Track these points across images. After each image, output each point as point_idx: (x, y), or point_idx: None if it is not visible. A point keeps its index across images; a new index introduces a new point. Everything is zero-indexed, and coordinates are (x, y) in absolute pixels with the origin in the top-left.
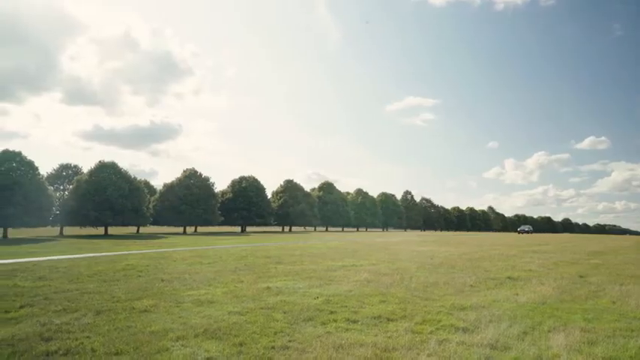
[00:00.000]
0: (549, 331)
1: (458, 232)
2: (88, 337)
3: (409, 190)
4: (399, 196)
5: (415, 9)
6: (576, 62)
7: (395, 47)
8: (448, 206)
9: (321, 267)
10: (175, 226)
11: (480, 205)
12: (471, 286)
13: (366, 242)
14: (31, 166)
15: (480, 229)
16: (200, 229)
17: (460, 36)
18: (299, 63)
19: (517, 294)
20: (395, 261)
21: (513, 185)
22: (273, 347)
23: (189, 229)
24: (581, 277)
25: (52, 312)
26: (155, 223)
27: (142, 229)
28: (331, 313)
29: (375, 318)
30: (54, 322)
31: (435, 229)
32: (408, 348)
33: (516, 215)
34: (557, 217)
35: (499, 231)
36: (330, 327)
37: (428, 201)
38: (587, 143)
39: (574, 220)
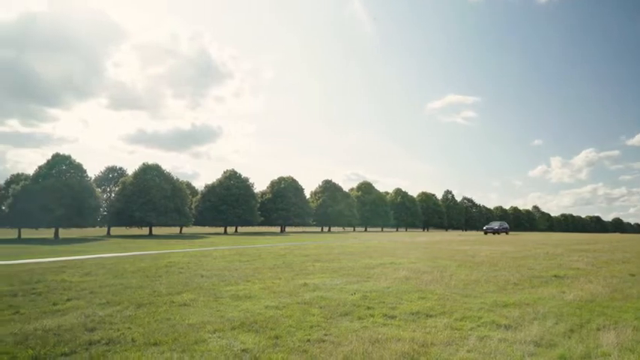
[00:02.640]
0: (598, 330)
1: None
2: (129, 328)
3: (450, 189)
4: (439, 196)
5: (454, 3)
6: (625, 54)
7: (433, 44)
8: (491, 206)
9: (359, 265)
10: (216, 226)
11: (525, 205)
12: (514, 284)
13: (406, 241)
14: (79, 169)
15: (524, 230)
16: (240, 229)
17: (501, 30)
18: (335, 62)
19: (564, 292)
20: (435, 259)
21: (560, 184)
22: (308, 340)
23: (230, 229)
24: (632, 275)
25: (96, 305)
26: (197, 223)
27: (185, 229)
28: (368, 308)
29: (413, 314)
30: (98, 313)
31: (477, 229)
32: (446, 344)
33: (563, 215)
34: (607, 217)
35: (544, 231)
36: (366, 322)
37: (469, 200)
38: (639, 139)
39: (625, 219)
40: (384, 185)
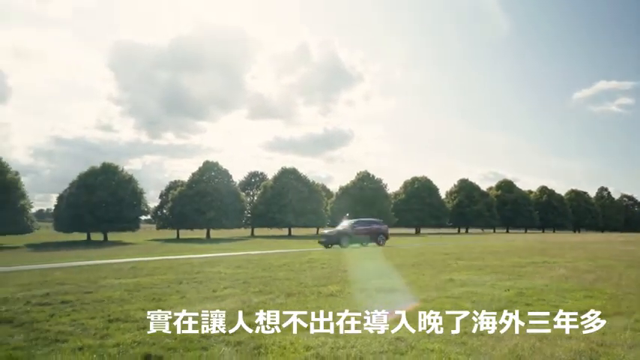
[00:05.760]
0: None
1: None
2: None
3: (605, 186)
4: (592, 194)
5: None
6: None
7: (576, 25)
8: None
9: (506, 263)
10: None
11: None
12: None
13: (555, 241)
14: (226, 175)
15: None
16: None
17: None
18: (466, 57)
19: None
20: (595, 259)
21: None
22: (465, 333)
23: None
24: None
25: (250, 292)
26: (332, 224)
27: (321, 230)
28: (527, 305)
29: (581, 312)
30: (252, 300)
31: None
32: (630, 345)
33: None
34: None
35: None
36: (527, 318)
37: (630, 198)
38: None
39: None
40: (526, 184)
